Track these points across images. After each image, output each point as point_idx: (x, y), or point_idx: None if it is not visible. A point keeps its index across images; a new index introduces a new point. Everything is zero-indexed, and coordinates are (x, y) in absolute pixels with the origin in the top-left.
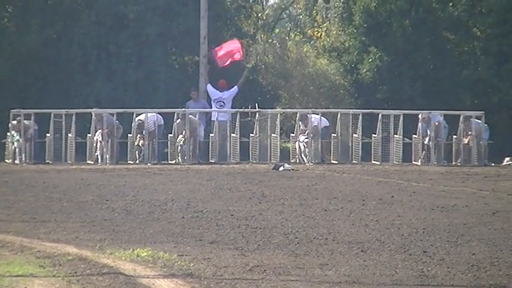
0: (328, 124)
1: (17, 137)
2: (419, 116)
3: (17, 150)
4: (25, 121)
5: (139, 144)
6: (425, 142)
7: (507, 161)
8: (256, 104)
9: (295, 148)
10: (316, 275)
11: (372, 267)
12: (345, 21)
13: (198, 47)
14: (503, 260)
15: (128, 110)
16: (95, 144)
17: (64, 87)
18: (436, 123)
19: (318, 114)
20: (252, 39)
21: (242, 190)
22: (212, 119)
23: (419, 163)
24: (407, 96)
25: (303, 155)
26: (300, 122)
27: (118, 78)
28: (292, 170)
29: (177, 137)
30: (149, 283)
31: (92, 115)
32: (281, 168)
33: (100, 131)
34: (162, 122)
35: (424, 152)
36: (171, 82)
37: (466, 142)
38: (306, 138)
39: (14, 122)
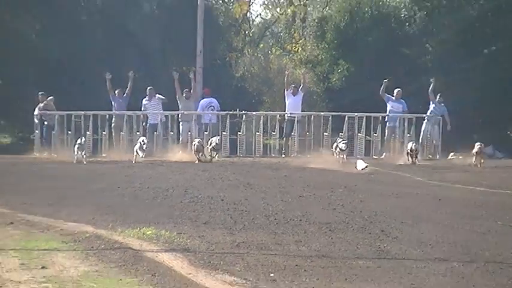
0: None
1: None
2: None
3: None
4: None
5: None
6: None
7: (451, 156)
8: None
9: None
10: (291, 250)
11: (338, 243)
12: (319, 38)
13: (194, 59)
14: (447, 238)
15: (136, 112)
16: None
17: (82, 91)
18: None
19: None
20: (240, 52)
21: (231, 179)
22: (206, 121)
23: (381, 156)
24: (370, 101)
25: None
26: None
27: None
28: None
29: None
30: (153, 256)
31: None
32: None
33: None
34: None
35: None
36: (171, 89)
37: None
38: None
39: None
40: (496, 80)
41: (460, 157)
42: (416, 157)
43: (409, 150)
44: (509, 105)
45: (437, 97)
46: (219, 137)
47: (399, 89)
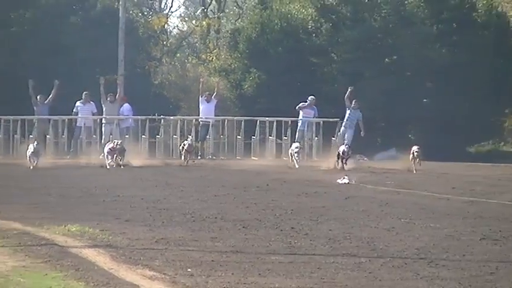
0: None
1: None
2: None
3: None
4: None
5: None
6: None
7: (358, 158)
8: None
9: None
10: (208, 246)
11: (252, 240)
12: (232, 48)
13: (116, 67)
14: (354, 234)
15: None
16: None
17: (16, 97)
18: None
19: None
20: (158, 61)
21: (151, 180)
22: (127, 125)
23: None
24: (280, 107)
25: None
26: None
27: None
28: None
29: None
30: (78, 252)
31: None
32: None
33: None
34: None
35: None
36: (96, 94)
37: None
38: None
39: None
40: (397, 87)
41: (365, 159)
42: (346, 160)
43: (340, 153)
44: (409, 110)
45: (353, 103)
46: (190, 138)
47: (313, 97)
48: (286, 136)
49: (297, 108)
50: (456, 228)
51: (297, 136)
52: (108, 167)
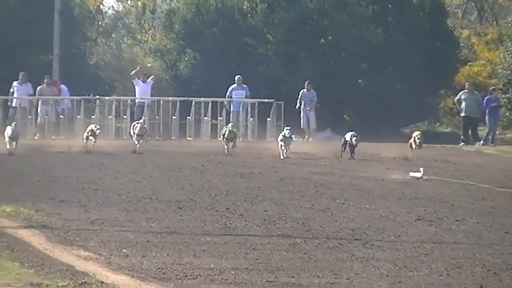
0: None
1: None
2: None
3: None
4: None
5: None
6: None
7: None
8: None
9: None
10: (143, 226)
11: (187, 220)
12: (167, 28)
13: (52, 48)
14: (289, 215)
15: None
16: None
17: None
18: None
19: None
20: (94, 42)
21: (85, 160)
22: (63, 107)
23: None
24: (215, 88)
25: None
26: None
27: None
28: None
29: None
30: (13, 232)
31: None
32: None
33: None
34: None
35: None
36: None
37: None
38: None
39: None
40: (332, 67)
41: (301, 139)
42: (354, 149)
43: (347, 140)
44: (344, 91)
45: (305, 84)
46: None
47: (239, 76)
48: (221, 117)
49: (227, 94)
50: (391, 210)
51: (231, 117)
52: (138, 151)
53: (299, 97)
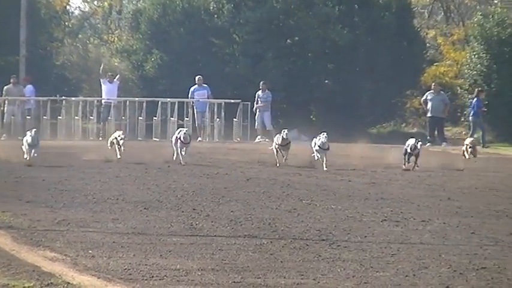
0: None
1: None
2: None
3: None
4: None
5: None
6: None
7: (258, 139)
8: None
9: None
10: (109, 227)
11: (153, 221)
12: (134, 29)
13: (18, 49)
14: (255, 216)
15: None
16: None
17: None
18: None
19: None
20: (60, 42)
21: (52, 161)
22: (29, 107)
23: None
24: (182, 88)
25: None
26: None
27: None
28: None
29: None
30: None
31: None
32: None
33: None
34: None
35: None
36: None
37: None
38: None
39: None
40: (299, 68)
41: (267, 140)
42: (417, 159)
43: (408, 149)
44: (311, 91)
45: (261, 85)
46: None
47: (199, 76)
48: (187, 117)
49: (189, 96)
50: (357, 210)
51: (196, 118)
52: (183, 163)
53: (255, 98)
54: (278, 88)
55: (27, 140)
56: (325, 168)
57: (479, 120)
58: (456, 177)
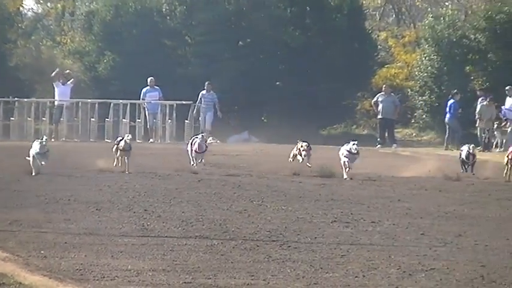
0: None
1: None
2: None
3: None
4: None
5: None
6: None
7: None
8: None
9: None
10: (61, 227)
11: (105, 222)
12: (86, 30)
13: None
14: (206, 217)
15: None
16: None
17: None
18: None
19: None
20: (13, 44)
21: (5, 161)
22: None
23: (141, 140)
24: (134, 89)
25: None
26: None
27: None
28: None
29: None
30: None
31: None
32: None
33: None
34: None
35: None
36: None
37: None
38: None
39: None
40: (250, 69)
41: (218, 141)
42: (473, 165)
43: (464, 158)
44: (262, 93)
45: (205, 85)
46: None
47: (151, 78)
48: (139, 119)
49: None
50: (308, 211)
51: (148, 119)
52: (197, 173)
53: (199, 98)
54: (229, 89)
55: (35, 149)
56: (345, 177)
57: (456, 122)
58: (406, 178)
